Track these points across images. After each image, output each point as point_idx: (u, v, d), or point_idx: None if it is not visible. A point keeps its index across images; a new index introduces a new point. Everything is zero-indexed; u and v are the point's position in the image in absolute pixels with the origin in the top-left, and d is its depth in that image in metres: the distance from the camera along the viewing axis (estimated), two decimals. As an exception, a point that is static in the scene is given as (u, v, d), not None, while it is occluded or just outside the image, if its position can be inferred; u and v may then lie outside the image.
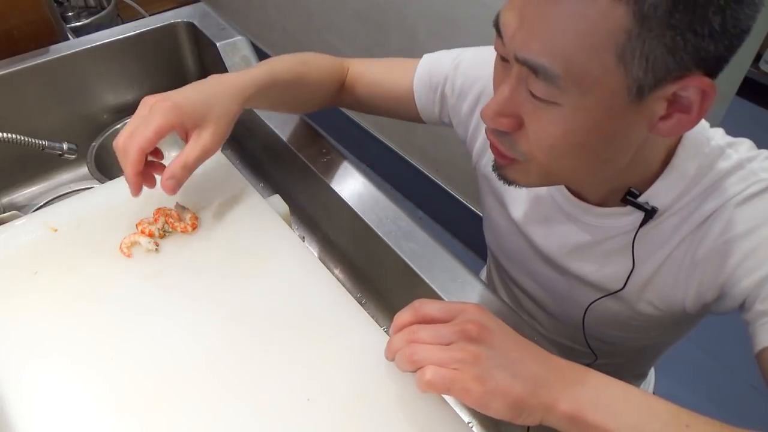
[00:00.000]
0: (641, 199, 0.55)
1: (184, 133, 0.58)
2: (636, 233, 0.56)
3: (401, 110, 0.76)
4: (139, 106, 0.58)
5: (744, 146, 0.55)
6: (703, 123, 0.56)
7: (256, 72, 0.64)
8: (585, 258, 0.62)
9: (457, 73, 0.70)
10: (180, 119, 0.56)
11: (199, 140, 0.58)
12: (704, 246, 0.54)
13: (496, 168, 0.55)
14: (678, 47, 0.40)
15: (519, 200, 0.67)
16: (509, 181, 0.55)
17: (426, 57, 0.74)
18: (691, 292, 0.56)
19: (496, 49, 0.49)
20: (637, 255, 0.58)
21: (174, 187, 0.56)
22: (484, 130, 0.69)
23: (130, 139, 0.55)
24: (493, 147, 0.53)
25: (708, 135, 0.55)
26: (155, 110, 0.56)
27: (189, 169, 0.57)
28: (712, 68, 0.43)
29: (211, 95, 0.59)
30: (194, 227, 0.61)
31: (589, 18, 0.40)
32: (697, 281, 0.55)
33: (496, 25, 0.47)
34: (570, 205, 0.61)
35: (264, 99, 0.66)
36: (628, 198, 0.55)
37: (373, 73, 0.77)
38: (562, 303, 0.69)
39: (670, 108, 0.45)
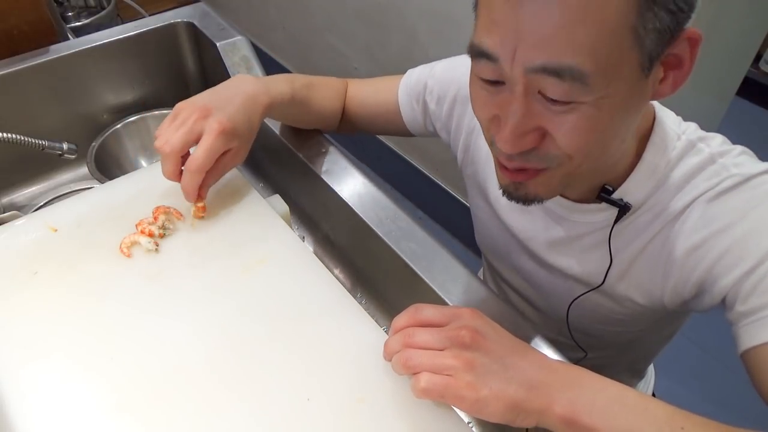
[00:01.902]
0: (615, 195, 0.55)
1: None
2: (611, 229, 0.57)
3: (392, 126, 0.79)
4: (186, 110, 0.60)
5: (716, 141, 0.55)
6: (676, 118, 0.57)
7: (281, 89, 0.68)
8: (565, 253, 0.63)
9: (434, 80, 0.72)
10: (232, 144, 0.61)
11: (237, 156, 0.63)
12: (680, 242, 0.54)
13: (511, 190, 0.53)
14: (679, 9, 0.41)
15: (503, 198, 0.68)
16: (527, 199, 0.53)
17: (409, 71, 0.77)
18: (668, 288, 0.57)
19: (481, 75, 0.47)
20: (614, 250, 0.58)
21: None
22: (464, 131, 0.71)
23: (193, 161, 0.58)
24: (506, 170, 0.51)
25: (679, 130, 0.55)
26: (216, 135, 0.58)
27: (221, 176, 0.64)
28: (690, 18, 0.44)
29: (249, 114, 0.63)
30: (204, 210, 0.62)
31: (600, 5, 0.40)
32: (675, 277, 0.55)
33: (478, 52, 0.45)
34: (549, 201, 0.61)
35: (277, 114, 0.71)
36: (602, 194, 0.55)
37: (362, 93, 0.80)
38: (547, 298, 0.70)
39: (666, 68, 0.46)
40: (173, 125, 0.59)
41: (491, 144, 0.52)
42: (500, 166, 0.52)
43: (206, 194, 0.62)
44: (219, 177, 0.63)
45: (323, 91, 0.76)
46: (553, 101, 0.44)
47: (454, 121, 0.72)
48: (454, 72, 0.71)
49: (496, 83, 0.47)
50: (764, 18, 1.29)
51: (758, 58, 2.32)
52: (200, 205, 0.61)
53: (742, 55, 1.39)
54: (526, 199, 0.53)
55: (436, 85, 0.72)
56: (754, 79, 2.31)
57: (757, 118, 2.36)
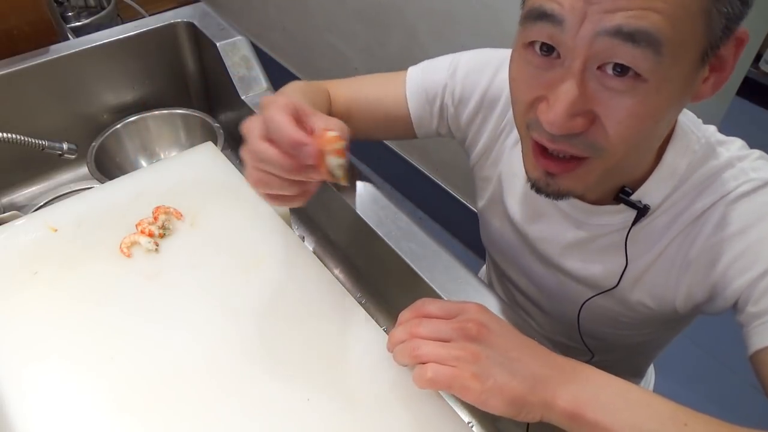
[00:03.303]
0: (633, 197, 0.55)
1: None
2: (629, 231, 0.56)
3: (398, 130, 0.74)
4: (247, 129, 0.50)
5: (735, 145, 0.55)
6: (696, 120, 0.57)
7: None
8: (579, 255, 0.62)
9: (456, 81, 0.69)
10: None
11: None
12: (696, 245, 0.54)
13: (542, 184, 0.51)
14: (746, 2, 0.41)
15: (515, 199, 0.67)
16: (558, 194, 0.51)
17: (412, 71, 0.72)
18: (681, 292, 0.56)
19: (537, 37, 0.44)
20: (630, 253, 0.58)
21: None
22: (486, 135, 0.68)
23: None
24: (543, 157, 0.49)
25: (699, 133, 0.55)
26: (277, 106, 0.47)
27: None
28: None
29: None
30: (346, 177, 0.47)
31: None
32: (689, 281, 0.55)
33: (540, 14, 0.42)
34: (565, 203, 0.61)
35: None
36: (621, 196, 0.55)
37: (361, 101, 0.72)
38: (556, 301, 0.70)
39: (709, 69, 0.45)
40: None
41: (527, 128, 0.49)
42: (537, 152, 0.49)
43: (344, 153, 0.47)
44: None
45: (319, 101, 0.69)
46: (616, 75, 0.42)
47: (476, 124, 0.69)
48: (480, 75, 0.67)
49: (548, 55, 0.44)
50: (764, 18, 1.29)
51: (758, 58, 2.32)
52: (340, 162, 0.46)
53: (742, 55, 1.39)
54: (558, 194, 0.51)
55: (457, 87, 0.69)
56: (754, 79, 2.30)
57: (757, 118, 2.36)
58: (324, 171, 0.46)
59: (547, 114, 0.44)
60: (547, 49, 0.44)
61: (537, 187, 0.52)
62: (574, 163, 0.48)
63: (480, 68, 0.68)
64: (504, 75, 0.65)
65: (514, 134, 0.66)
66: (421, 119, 0.72)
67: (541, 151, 0.49)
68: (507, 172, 0.68)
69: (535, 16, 0.43)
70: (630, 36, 0.40)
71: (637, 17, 0.39)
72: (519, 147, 0.54)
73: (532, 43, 0.45)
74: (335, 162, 0.46)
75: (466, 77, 0.68)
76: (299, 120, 0.47)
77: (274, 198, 0.50)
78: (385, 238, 0.66)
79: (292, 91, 0.63)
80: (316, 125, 0.47)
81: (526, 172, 0.53)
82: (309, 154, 0.45)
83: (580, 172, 0.49)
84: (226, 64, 0.90)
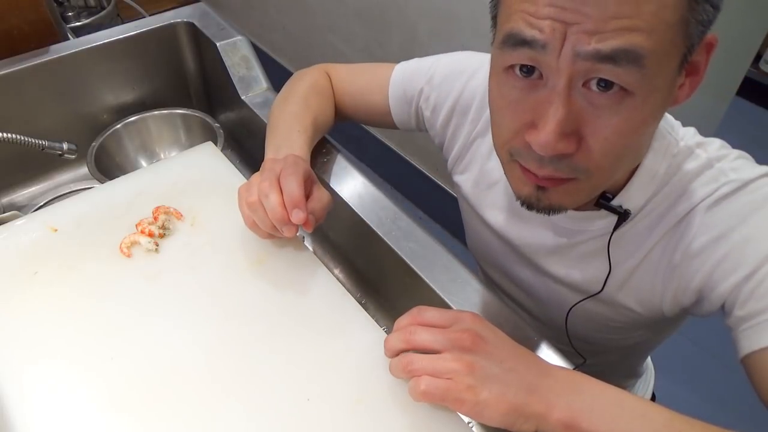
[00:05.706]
0: (614, 202, 0.54)
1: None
2: (611, 236, 0.56)
3: (387, 123, 0.77)
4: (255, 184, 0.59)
5: (713, 146, 0.54)
6: (674, 123, 0.56)
7: (302, 143, 0.67)
8: (563, 261, 0.62)
9: (432, 87, 0.69)
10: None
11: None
12: (680, 249, 0.53)
13: (533, 200, 0.50)
14: (717, 6, 0.41)
15: (495, 205, 0.67)
16: (551, 209, 0.50)
17: (399, 68, 0.73)
18: (668, 296, 0.56)
19: (517, 61, 0.43)
20: (614, 257, 0.58)
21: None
22: (460, 140, 0.69)
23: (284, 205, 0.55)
24: (532, 175, 0.48)
25: (678, 135, 0.55)
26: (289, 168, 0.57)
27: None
28: None
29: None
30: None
31: None
32: (674, 285, 0.55)
33: (519, 41, 0.42)
34: None
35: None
36: (601, 201, 0.54)
37: (354, 93, 0.77)
38: (543, 306, 0.69)
39: (685, 74, 0.46)
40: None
41: (510, 155, 0.49)
42: (526, 173, 0.49)
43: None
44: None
45: (324, 112, 0.74)
46: (602, 91, 0.41)
47: (450, 130, 0.70)
48: (454, 82, 0.68)
49: (529, 76, 0.44)
50: (764, 18, 1.29)
51: (758, 58, 2.31)
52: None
53: (742, 55, 1.39)
54: (550, 209, 0.50)
55: (432, 93, 0.70)
56: (754, 79, 2.30)
57: (757, 118, 2.36)
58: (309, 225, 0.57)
59: (538, 136, 0.44)
60: (528, 70, 0.44)
61: (528, 203, 0.51)
62: (561, 179, 0.48)
63: (455, 75, 0.68)
64: (476, 82, 0.66)
65: (488, 141, 0.66)
66: (401, 117, 0.74)
67: (528, 172, 0.49)
68: (482, 180, 0.68)
69: (514, 42, 0.43)
70: (610, 57, 0.39)
71: (613, 37, 0.39)
72: (495, 155, 0.54)
73: (511, 66, 0.45)
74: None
75: (441, 84, 0.69)
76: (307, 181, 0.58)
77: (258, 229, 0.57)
78: (386, 238, 0.66)
79: (309, 123, 0.69)
80: (313, 194, 0.59)
81: (515, 192, 0.52)
82: (299, 218, 0.55)
83: (569, 187, 0.48)
84: (226, 64, 0.90)
